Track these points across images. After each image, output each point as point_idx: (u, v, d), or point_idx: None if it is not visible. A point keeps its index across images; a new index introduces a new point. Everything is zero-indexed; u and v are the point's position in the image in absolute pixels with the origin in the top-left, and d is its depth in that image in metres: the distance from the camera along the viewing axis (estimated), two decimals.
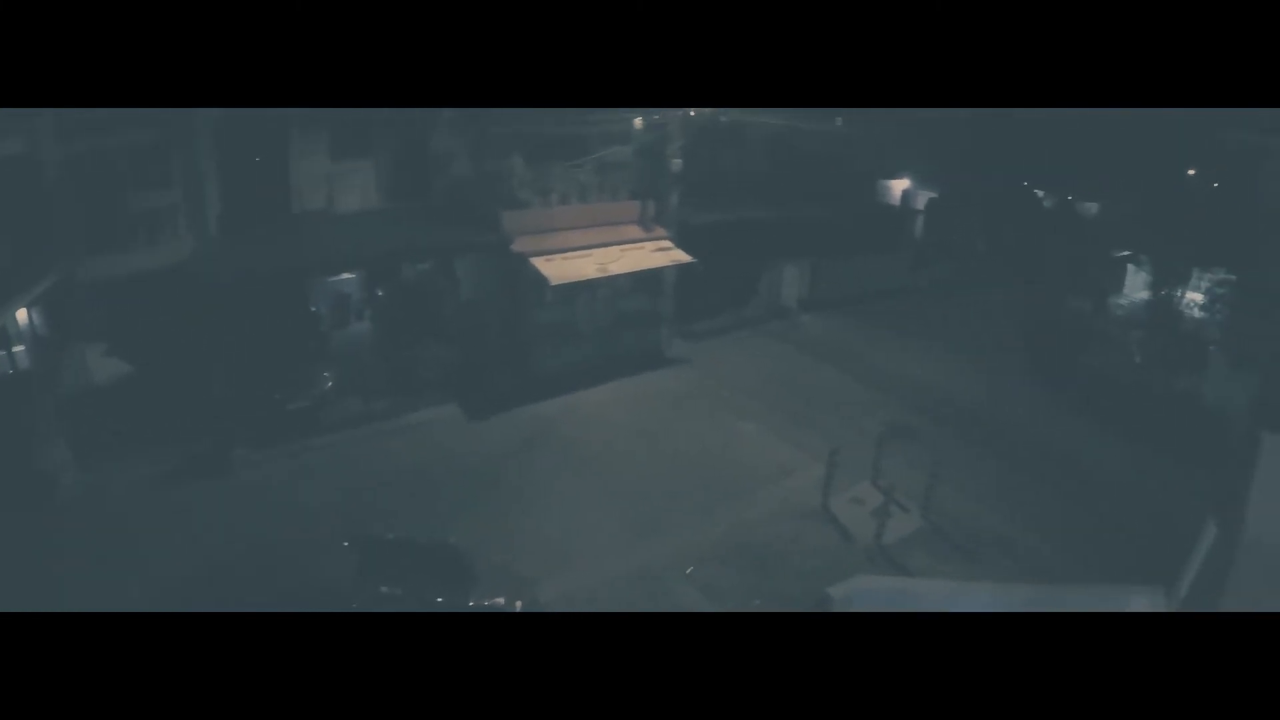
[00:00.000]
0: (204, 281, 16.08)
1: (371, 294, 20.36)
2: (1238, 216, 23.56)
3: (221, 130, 17.61)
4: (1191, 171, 28.86)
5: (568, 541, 13.84)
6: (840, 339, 24.20)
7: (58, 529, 13.69)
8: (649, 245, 20.06)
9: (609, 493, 15.36)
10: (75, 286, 16.00)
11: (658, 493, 15.44)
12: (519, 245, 18.62)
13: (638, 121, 20.53)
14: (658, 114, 19.95)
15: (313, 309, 19.26)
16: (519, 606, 11.29)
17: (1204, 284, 25.30)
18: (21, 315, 15.40)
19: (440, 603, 10.93)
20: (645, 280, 20.78)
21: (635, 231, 20.26)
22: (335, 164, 20.90)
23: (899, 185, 32.24)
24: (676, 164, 20.29)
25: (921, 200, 32.56)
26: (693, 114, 19.82)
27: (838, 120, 27.10)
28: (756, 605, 12.44)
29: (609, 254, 19.21)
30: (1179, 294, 25.81)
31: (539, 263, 18.33)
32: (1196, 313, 24.92)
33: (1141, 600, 8.83)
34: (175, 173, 17.34)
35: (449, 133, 20.56)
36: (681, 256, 20.02)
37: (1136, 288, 28.63)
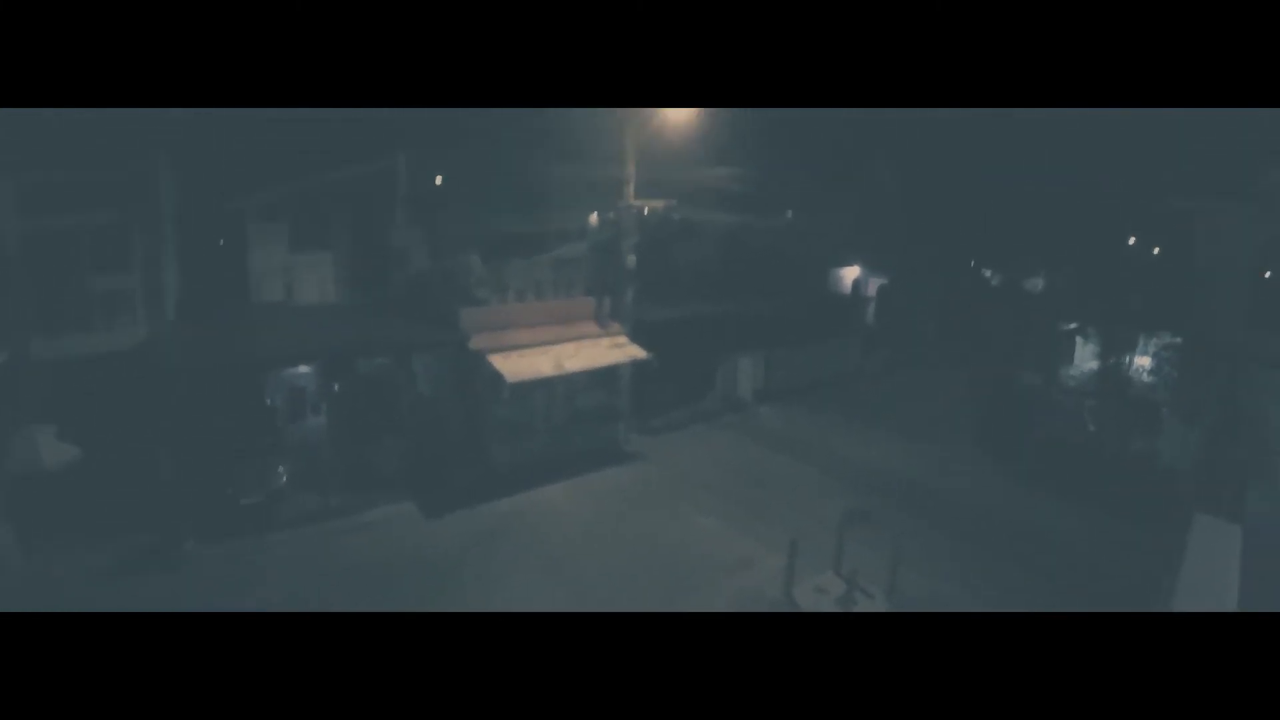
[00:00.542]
0: (159, 368, 15.92)
1: (328, 388, 20.23)
2: (1178, 279, 24.56)
3: (183, 215, 17.70)
4: (1132, 240, 30.22)
5: None
6: (796, 428, 24.47)
7: None
8: (605, 341, 20.30)
9: (569, 588, 15.18)
10: (28, 364, 15.73)
11: (618, 587, 15.29)
12: (476, 342, 18.73)
13: (593, 218, 21.02)
14: (612, 211, 20.43)
15: (268, 401, 19.07)
16: None
17: (1151, 348, 26.17)
18: None
19: None
20: (601, 376, 20.94)
21: (591, 328, 20.51)
22: (294, 255, 21.07)
23: (849, 274, 33.18)
24: (631, 260, 20.70)
25: (871, 287, 33.51)
26: (646, 211, 20.34)
27: (788, 214, 28.07)
28: None
29: (565, 351, 19.39)
30: (1127, 360, 26.62)
31: (496, 359, 18.42)
32: (1146, 376, 25.71)
33: None
34: (135, 256, 17.35)
35: (407, 228, 20.86)
36: (637, 352, 20.28)
37: (1086, 358, 29.51)
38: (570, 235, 21.14)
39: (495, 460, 19.75)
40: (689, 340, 23.09)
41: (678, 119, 19.55)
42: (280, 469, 17.88)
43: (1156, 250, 29.18)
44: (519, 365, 18.49)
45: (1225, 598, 8.67)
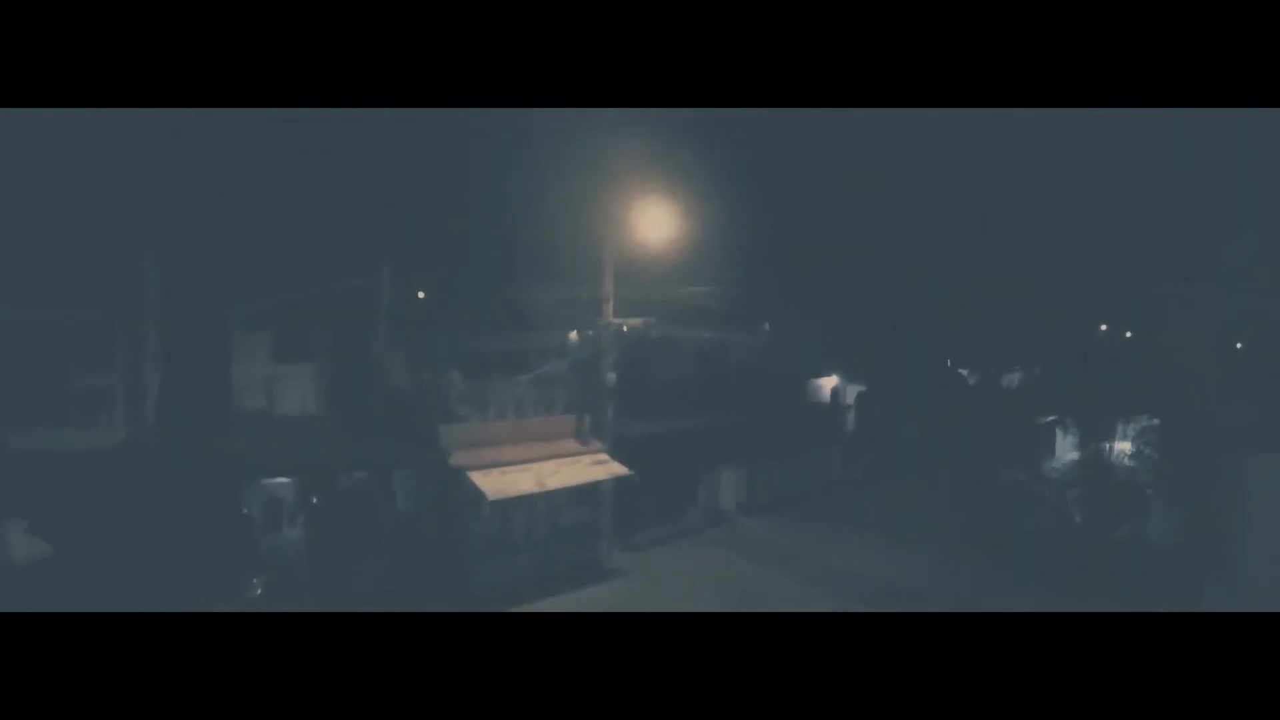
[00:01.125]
0: (136, 469, 15.74)
1: (306, 500, 20.05)
2: (1152, 363, 24.89)
3: (168, 318, 17.77)
4: (1104, 327, 30.76)
5: None
6: (781, 540, 24.26)
7: None
8: (586, 458, 20.25)
9: None
10: (2, 455, 15.50)
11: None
12: (457, 459, 18.65)
13: (573, 336, 21.28)
14: (591, 329, 20.72)
15: (245, 511, 18.85)
16: None
17: (1130, 432, 26.30)
18: None
19: None
20: (583, 493, 20.81)
21: (572, 445, 20.49)
22: (277, 365, 21.14)
23: (827, 383, 33.50)
24: (611, 377, 20.86)
25: (850, 395, 33.80)
26: (625, 329, 20.63)
27: (765, 327, 28.55)
28: None
29: (546, 468, 19.33)
30: (1108, 447, 26.70)
31: (477, 477, 18.31)
32: (1127, 461, 25.76)
33: None
34: (118, 355, 17.31)
35: (389, 343, 21.03)
36: (618, 468, 20.23)
37: (1067, 449, 29.57)
38: (551, 353, 21.36)
39: (475, 579, 19.42)
40: (670, 455, 23.10)
41: (655, 238, 20.01)
42: (255, 580, 17.54)
43: (1129, 334, 29.75)
44: (500, 482, 18.39)
45: None
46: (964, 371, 38.45)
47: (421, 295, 23.53)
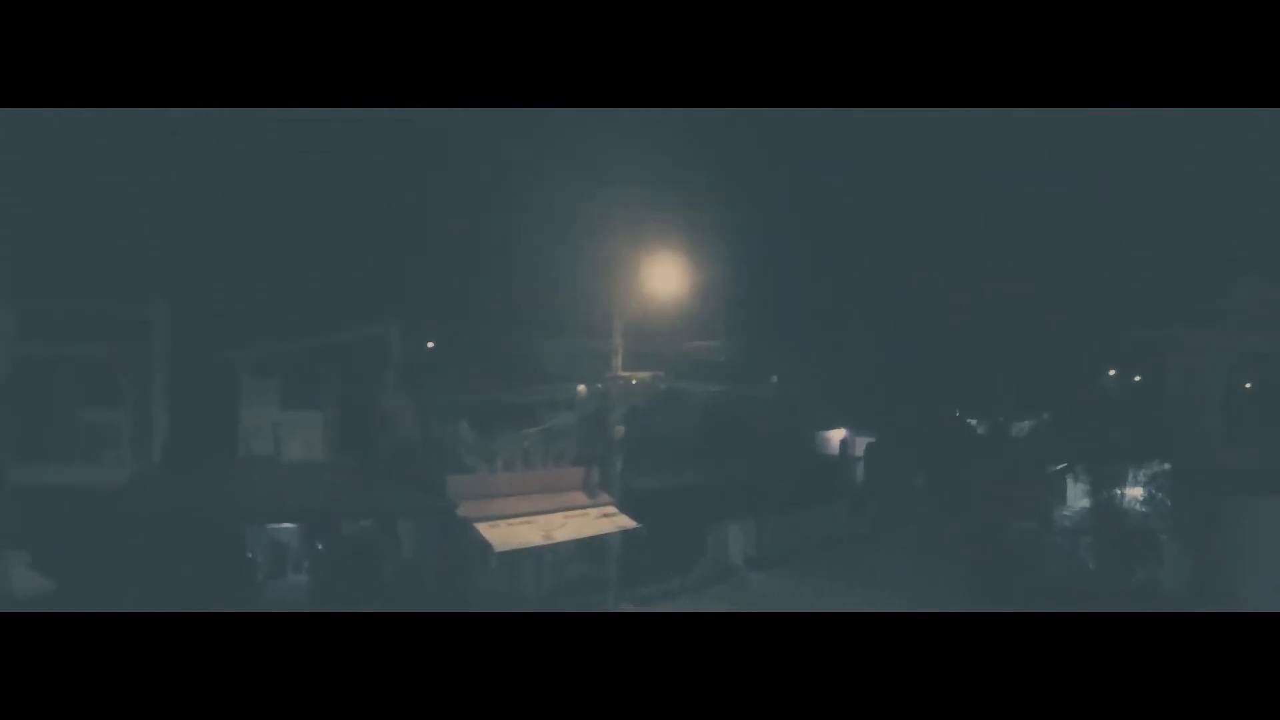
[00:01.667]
0: (141, 508, 15.72)
1: (311, 546, 19.98)
2: (1159, 407, 24.79)
3: (177, 360, 17.81)
4: (1112, 371, 30.65)
5: None
6: (788, 594, 23.98)
7: None
8: (593, 511, 20.25)
9: None
10: (6, 489, 15.56)
11: None
12: (464, 510, 18.62)
13: (581, 389, 21.32)
14: (600, 383, 20.79)
15: (249, 555, 18.77)
16: None
17: (1141, 478, 26.04)
18: None
19: None
20: (590, 546, 20.75)
21: (579, 498, 20.53)
22: (284, 412, 21.18)
23: (836, 435, 33.40)
24: (619, 430, 20.87)
25: (858, 446, 33.67)
26: (633, 382, 20.68)
27: (773, 379, 28.57)
28: None
29: (553, 521, 19.29)
30: (1119, 493, 26.40)
31: (484, 528, 18.26)
32: (1139, 507, 25.44)
33: None
34: (126, 393, 17.38)
35: (397, 393, 21.10)
36: (626, 522, 20.19)
37: (1077, 496, 29.26)
38: (559, 405, 21.39)
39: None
40: (678, 509, 23.01)
41: (663, 292, 20.14)
42: None
43: (1138, 379, 29.65)
44: (507, 534, 18.35)
45: None
46: (972, 421, 38.30)
47: (430, 345, 23.64)
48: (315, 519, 19.26)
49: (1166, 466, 24.80)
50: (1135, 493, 26.25)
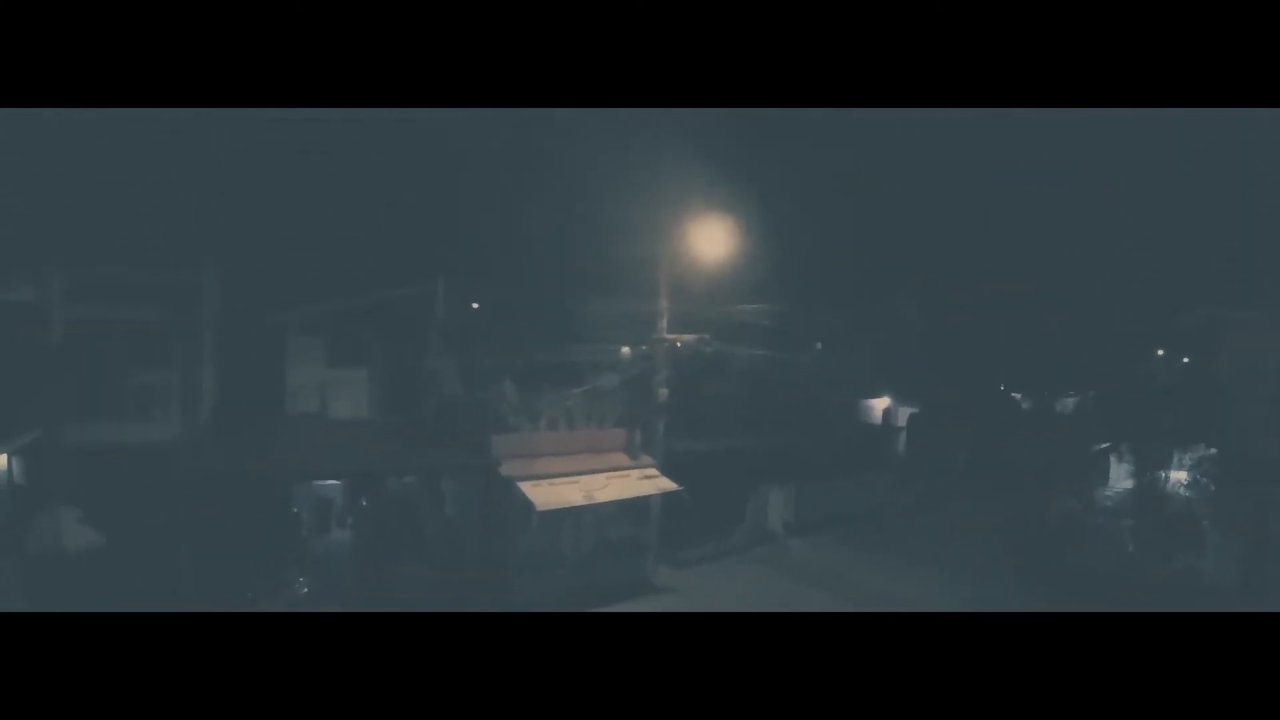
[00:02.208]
0: (190, 465, 16.04)
1: (355, 503, 20.31)
2: (1209, 391, 24.19)
3: (226, 321, 18.11)
4: (1160, 352, 30.04)
5: None
6: (827, 562, 23.99)
7: None
8: (635, 473, 20.28)
9: None
10: (59, 446, 15.91)
11: None
12: (506, 469, 18.77)
13: (626, 350, 21.32)
14: (645, 345, 20.75)
15: (294, 510, 19.12)
16: None
17: (1186, 462, 25.56)
18: (1, 461, 15.50)
19: None
20: (631, 508, 20.80)
21: (622, 459, 20.53)
22: (332, 370, 21.48)
23: (879, 404, 33.13)
24: (663, 393, 20.84)
25: (901, 417, 33.38)
26: (678, 345, 20.61)
27: (818, 346, 28.37)
28: None
29: (595, 481, 19.36)
30: (1163, 476, 25.97)
31: (526, 487, 18.40)
32: (1183, 492, 25.01)
33: None
34: (176, 355, 17.70)
35: (443, 352, 21.27)
36: (667, 484, 20.21)
37: (1120, 477, 28.83)
38: (603, 367, 21.42)
39: (519, 590, 19.46)
40: (720, 473, 23.03)
41: (710, 254, 19.97)
42: (300, 579, 17.77)
43: (1186, 360, 29.05)
44: (549, 494, 18.45)
45: None
46: (1017, 395, 37.80)
47: (475, 306, 23.78)
48: (360, 476, 19.52)
49: (1213, 451, 24.27)
50: (1180, 476, 25.79)
